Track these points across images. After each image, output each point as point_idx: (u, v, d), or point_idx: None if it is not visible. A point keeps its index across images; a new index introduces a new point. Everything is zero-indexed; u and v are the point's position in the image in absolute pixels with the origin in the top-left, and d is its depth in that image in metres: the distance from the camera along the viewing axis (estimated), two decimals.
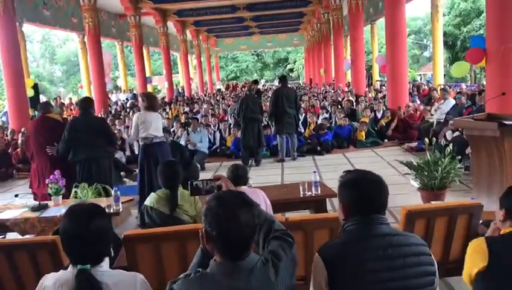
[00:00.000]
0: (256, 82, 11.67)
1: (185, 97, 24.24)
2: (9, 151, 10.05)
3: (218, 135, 11.10)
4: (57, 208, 4.38)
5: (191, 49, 32.37)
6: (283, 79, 10.04)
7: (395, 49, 11.42)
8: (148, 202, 3.66)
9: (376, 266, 1.70)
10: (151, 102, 5.84)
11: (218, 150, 10.67)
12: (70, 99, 21.16)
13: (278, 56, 57.57)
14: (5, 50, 11.01)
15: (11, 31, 11.15)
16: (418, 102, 12.95)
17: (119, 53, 24.59)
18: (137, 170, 5.97)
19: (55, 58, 54.05)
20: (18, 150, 9.91)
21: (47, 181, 4.57)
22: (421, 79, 31.19)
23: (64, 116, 15.50)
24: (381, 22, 19.11)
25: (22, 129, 10.28)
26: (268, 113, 10.00)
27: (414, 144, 9.72)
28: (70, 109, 17.57)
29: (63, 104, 18.00)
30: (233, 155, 10.10)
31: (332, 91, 18.82)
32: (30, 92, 12.23)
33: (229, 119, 12.98)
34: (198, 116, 12.90)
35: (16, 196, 6.85)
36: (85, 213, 1.84)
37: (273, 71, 58.98)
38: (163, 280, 2.79)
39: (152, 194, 3.76)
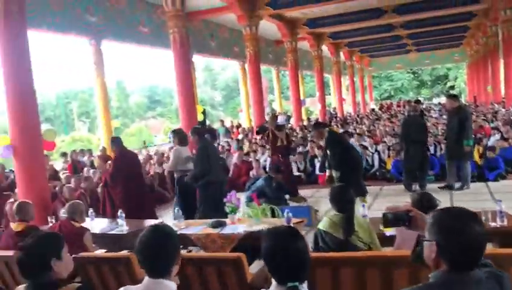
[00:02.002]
0: (419, 102, 11.16)
1: (338, 118, 24.23)
2: None
3: (376, 157, 10.82)
4: (234, 226, 4.68)
5: (344, 70, 32.35)
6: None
7: None
8: (321, 225, 3.69)
9: None
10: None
11: (377, 173, 10.38)
12: (232, 122, 22.60)
13: (437, 73, 54.41)
14: (180, 79, 12.28)
15: (185, 62, 12.40)
16: None
17: (275, 78, 25.67)
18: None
19: (215, 84, 58.61)
20: None
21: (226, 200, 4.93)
22: None
23: (232, 137, 16.70)
24: None
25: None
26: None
27: None
28: (232, 132, 18.78)
29: (226, 127, 19.37)
30: (394, 179, 9.73)
31: (503, 110, 17.06)
32: (200, 117, 13.40)
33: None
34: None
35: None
36: (288, 234, 1.95)
37: (430, 89, 55.87)
38: None
39: (325, 218, 3.78)
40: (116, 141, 7.50)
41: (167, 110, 53.06)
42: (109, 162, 8.20)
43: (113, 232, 5.21)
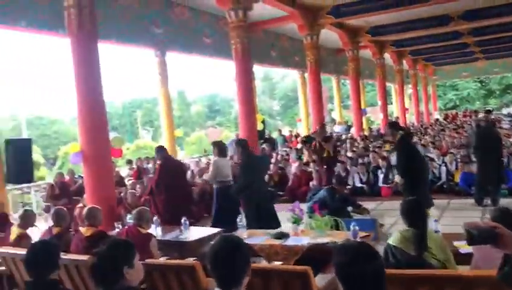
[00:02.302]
0: (489, 112, 10.61)
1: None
2: None
3: (444, 169, 10.33)
4: (298, 238, 4.59)
5: (407, 79, 31.43)
6: None
7: None
8: (391, 240, 3.52)
9: None
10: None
11: (444, 186, 9.92)
12: (290, 131, 22.51)
13: (507, 82, 51.62)
14: (241, 89, 12.38)
15: (247, 72, 12.49)
16: None
17: (335, 87, 25.36)
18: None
19: (274, 93, 58.84)
20: None
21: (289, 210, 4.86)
22: None
23: (289, 146, 16.63)
24: None
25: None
26: None
27: None
28: (291, 141, 18.69)
29: (283, 136, 19.32)
30: (463, 192, 9.24)
31: None
32: (260, 126, 13.43)
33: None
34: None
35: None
36: (365, 252, 1.86)
37: (499, 99, 53.07)
38: None
39: (395, 232, 3.61)
40: (160, 150, 7.68)
41: (226, 119, 53.84)
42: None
43: (177, 239, 5.27)
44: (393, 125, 7.73)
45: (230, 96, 62.32)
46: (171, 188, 7.24)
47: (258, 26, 16.09)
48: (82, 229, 4.79)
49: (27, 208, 7.32)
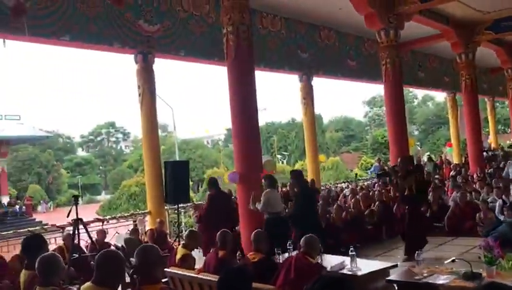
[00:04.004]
0: None
1: None
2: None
3: None
4: (494, 281, 3.90)
5: None
6: None
7: None
8: None
9: None
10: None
11: None
12: (441, 157, 20.68)
13: None
14: (392, 112, 11.72)
15: (398, 94, 11.82)
16: None
17: (488, 109, 23.13)
18: None
19: (414, 118, 56.02)
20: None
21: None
22: None
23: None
24: None
25: None
26: None
27: None
28: (442, 168, 17.25)
29: (434, 162, 17.92)
30: None
31: None
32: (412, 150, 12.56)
33: None
34: None
35: None
36: None
37: None
38: None
39: None
40: (212, 182, 8.30)
41: (362, 144, 52.48)
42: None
43: (344, 271, 4.88)
44: None
45: (365, 120, 61.02)
46: (219, 219, 7.42)
47: (406, 47, 15.28)
48: (249, 255, 4.67)
49: (192, 229, 7.54)
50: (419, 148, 49.20)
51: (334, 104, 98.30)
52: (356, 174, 19.71)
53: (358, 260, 5.04)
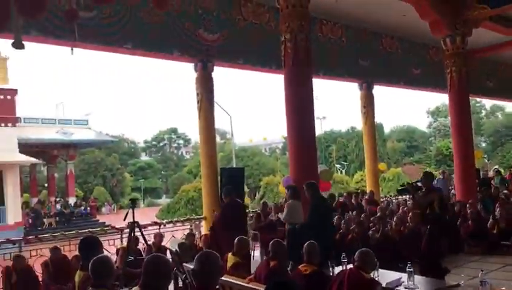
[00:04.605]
0: None
1: None
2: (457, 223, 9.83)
3: None
4: None
5: None
6: None
7: None
8: None
9: None
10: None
11: None
12: (510, 171, 19.48)
13: None
14: (457, 122, 11.22)
15: (464, 103, 11.29)
16: None
17: None
18: None
19: (481, 129, 53.37)
20: (469, 222, 9.57)
21: None
22: None
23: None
24: None
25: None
26: None
27: None
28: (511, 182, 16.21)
29: (501, 176, 16.88)
30: None
31: None
32: (479, 163, 11.91)
33: None
34: None
35: None
36: None
37: None
38: None
39: None
40: (227, 191, 7.97)
41: (425, 156, 50.57)
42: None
43: (400, 289, 4.65)
44: None
45: (429, 131, 58.85)
46: (230, 228, 7.34)
47: (474, 55, 14.58)
48: (300, 267, 4.55)
49: (242, 236, 7.52)
50: (486, 161, 46.82)
51: (396, 113, 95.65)
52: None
53: (416, 277, 4.79)
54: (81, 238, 4.30)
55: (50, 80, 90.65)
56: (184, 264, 6.00)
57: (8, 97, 22.77)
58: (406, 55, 13.62)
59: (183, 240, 8.19)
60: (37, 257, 8.81)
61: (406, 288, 4.66)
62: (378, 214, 9.57)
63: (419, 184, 6.79)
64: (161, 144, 65.36)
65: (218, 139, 10.80)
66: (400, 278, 4.84)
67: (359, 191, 14.76)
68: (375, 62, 12.77)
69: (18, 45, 4.00)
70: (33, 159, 23.91)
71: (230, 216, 7.75)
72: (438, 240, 6.56)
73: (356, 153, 46.11)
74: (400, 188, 8.46)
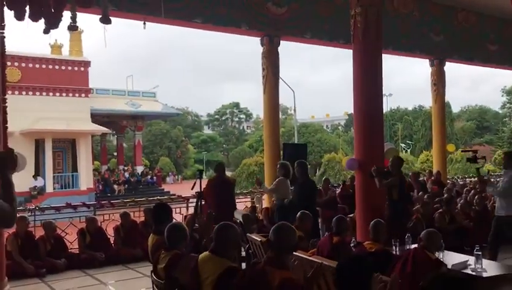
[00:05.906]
0: None
1: None
2: None
3: None
4: None
5: None
6: None
7: None
8: None
9: None
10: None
11: None
12: None
13: None
14: None
15: None
16: None
17: None
18: None
19: None
20: None
21: None
22: None
23: None
24: None
25: None
26: None
27: None
28: None
29: None
30: None
31: None
32: None
33: None
34: None
35: None
36: None
37: None
38: None
39: None
40: (218, 168, 8.03)
41: (497, 137, 47.94)
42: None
43: (465, 271, 4.54)
44: None
45: (503, 111, 55.57)
46: (217, 200, 7.44)
47: None
48: (366, 244, 4.55)
49: (305, 211, 7.59)
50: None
51: (467, 92, 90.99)
52: (488, 170, 18.11)
53: (484, 261, 4.65)
54: (154, 204, 4.54)
55: (121, 54, 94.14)
56: (248, 235, 6.16)
57: (82, 69, 23.97)
58: (482, 31, 12.85)
59: (247, 212, 8.39)
60: (109, 221, 9.38)
61: (473, 271, 4.55)
62: (445, 195, 9.32)
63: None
64: (223, 118, 66.41)
65: (280, 114, 10.75)
66: (467, 260, 4.72)
67: (426, 171, 14.34)
68: (448, 37, 12.15)
69: (105, 20, 4.20)
70: (104, 129, 25.12)
71: (218, 193, 7.70)
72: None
73: (422, 132, 44.59)
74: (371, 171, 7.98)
